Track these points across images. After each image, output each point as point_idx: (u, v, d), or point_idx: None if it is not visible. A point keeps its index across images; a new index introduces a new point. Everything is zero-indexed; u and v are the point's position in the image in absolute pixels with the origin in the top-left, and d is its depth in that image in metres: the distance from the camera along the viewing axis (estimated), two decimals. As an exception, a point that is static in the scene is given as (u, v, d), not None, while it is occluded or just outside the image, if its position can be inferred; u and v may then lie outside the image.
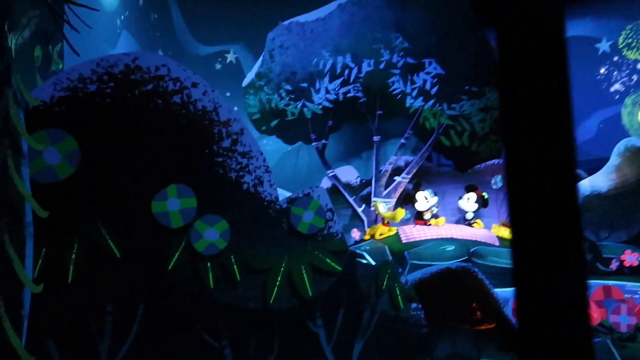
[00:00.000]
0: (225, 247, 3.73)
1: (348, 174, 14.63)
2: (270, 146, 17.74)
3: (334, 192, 14.47)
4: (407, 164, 14.41)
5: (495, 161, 13.90)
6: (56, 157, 3.70)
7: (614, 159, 12.23)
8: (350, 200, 14.20)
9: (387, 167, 14.18)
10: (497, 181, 13.60)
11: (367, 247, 11.64)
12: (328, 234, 4.00)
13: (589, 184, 12.44)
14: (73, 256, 3.52)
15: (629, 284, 10.22)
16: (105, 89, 4.22)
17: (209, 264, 3.47)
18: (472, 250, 10.83)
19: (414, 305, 4.09)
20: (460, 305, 4.41)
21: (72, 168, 3.83)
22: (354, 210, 14.26)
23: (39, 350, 3.34)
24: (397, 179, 14.05)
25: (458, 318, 4.34)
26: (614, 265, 11.08)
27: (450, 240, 11.42)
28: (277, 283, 3.58)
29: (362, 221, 14.06)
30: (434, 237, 11.96)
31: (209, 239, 3.67)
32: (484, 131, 14.70)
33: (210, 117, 3.91)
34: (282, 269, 3.64)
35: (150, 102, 4.26)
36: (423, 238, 11.99)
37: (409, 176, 14.07)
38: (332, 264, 3.82)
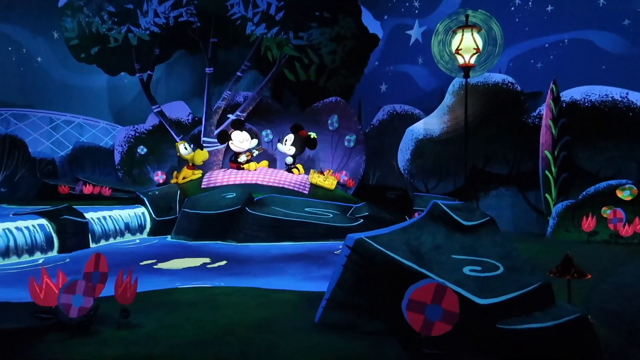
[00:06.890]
0: None
1: (178, 110, 13.07)
2: (129, 79, 16.03)
3: (160, 130, 13.02)
4: (245, 100, 12.83)
5: (333, 99, 12.26)
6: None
7: (448, 98, 10.61)
8: (177, 139, 12.74)
9: (220, 104, 12.61)
10: (334, 121, 12.04)
11: (156, 192, 10.32)
12: None
13: (423, 127, 10.91)
14: None
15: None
16: None
17: None
18: (256, 199, 9.48)
19: None
20: None
21: None
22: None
23: None
24: (231, 117, 12.51)
25: None
26: (413, 219, 9.71)
27: (239, 187, 10.04)
28: None
29: (192, 163, 12.67)
30: (236, 182, 10.60)
31: None
32: (334, 64, 12.96)
33: None
34: None
35: None
36: (224, 183, 10.63)
37: (244, 114, 12.52)
38: None
